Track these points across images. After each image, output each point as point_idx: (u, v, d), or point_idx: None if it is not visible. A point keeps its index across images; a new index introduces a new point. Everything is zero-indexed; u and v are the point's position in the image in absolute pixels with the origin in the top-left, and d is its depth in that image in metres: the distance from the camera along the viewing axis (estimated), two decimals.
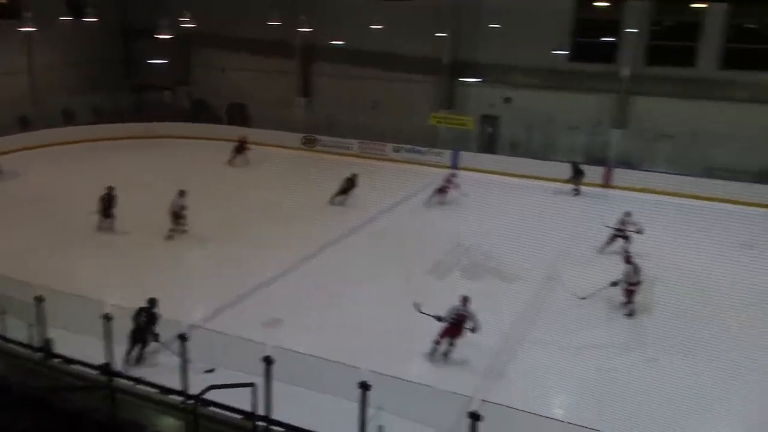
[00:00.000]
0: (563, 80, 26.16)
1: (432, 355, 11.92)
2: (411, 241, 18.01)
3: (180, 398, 7.33)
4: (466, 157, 26.55)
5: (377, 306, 13.92)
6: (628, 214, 17.56)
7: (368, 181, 21.91)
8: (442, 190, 21.85)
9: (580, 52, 26.13)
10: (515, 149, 27.36)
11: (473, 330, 11.72)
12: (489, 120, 28.21)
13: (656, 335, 13.02)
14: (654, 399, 10.57)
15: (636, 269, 14.00)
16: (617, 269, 14.31)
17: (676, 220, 19.20)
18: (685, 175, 23.42)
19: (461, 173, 23.40)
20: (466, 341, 11.89)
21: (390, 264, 16.29)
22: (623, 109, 25.66)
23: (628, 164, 25.13)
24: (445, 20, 27.56)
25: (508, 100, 27.46)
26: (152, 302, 11.25)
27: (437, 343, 11.89)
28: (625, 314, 13.95)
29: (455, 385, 9.93)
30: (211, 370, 9.80)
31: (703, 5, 23.01)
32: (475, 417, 6.12)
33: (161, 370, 10.29)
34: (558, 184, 23.72)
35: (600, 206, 21.83)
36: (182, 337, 8.31)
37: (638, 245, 16.66)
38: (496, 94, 27.58)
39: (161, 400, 7.43)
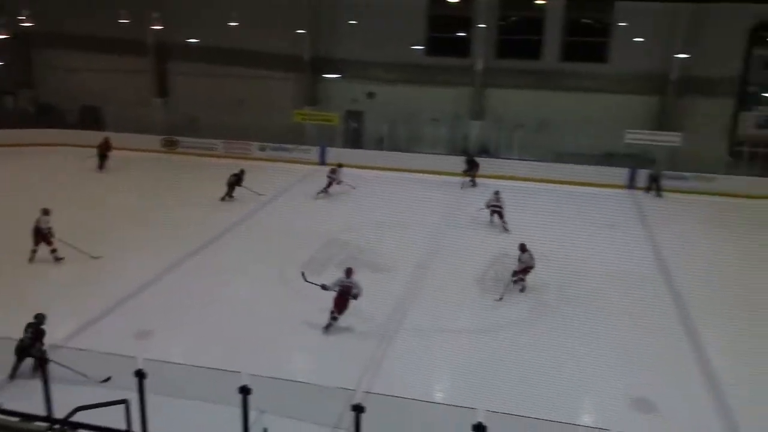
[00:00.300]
0: (422, 75, 27.07)
1: (327, 330, 12.46)
2: (285, 238, 17.90)
3: (45, 424, 6.85)
4: (333, 153, 26.76)
5: (252, 304, 13.79)
6: (497, 192, 19.16)
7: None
8: (328, 185, 22.18)
9: (435, 48, 27.18)
10: (381, 144, 27.98)
11: (355, 297, 12.51)
12: (354, 115, 28.62)
13: (534, 315, 13.85)
14: (534, 378, 11.16)
15: (531, 256, 14.75)
16: (489, 253, 15.08)
17: (539, 203, 20.43)
18: (538, 161, 25.00)
19: (341, 170, 23.56)
20: (346, 334, 12.05)
21: (264, 261, 16.12)
22: (479, 101, 26.99)
23: (486, 153, 26.51)
24: (304, 16, 27.55)
25: (371, 95, 27.99)
26: (39, 318, 10.88)
27: (333, 314, 12.50)
28: (520, 290, 14.75)
29: (337, 378, 10.04)
30: (107, 379, 9.73)
31: (543, 1, 24.72)
32: (358, 409, 6.25)
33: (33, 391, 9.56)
34: (423, 176, 24.62)
35: (464, 194, 23.01)
36: (42, 360, 7.78)
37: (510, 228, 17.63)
38: (359, 90, 28.02)
39: (22, 428, 6.89)
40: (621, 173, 24.42)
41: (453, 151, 26.50)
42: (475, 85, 26.83)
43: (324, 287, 12.54)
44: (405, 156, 26.07)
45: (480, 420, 5.69)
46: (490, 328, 13.31)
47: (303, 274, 12.93)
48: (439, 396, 11.05)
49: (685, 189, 23.64)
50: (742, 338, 12.77)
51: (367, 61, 27.36)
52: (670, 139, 24.14)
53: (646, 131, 24.73)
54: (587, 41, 26.30)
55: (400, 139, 27.76)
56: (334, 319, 12.55)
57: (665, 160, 24.39)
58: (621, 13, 25.19)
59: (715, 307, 14.21)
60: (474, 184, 24.21)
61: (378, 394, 8.93)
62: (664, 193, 23.51)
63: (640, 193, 23.71)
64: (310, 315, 12.73)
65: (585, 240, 16.18)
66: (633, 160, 24.54)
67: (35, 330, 10.72)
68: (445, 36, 27.33)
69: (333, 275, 13.29)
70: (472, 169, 24.38)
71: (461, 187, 23.78)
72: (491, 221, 19.09)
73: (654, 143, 24.31)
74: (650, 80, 25.37)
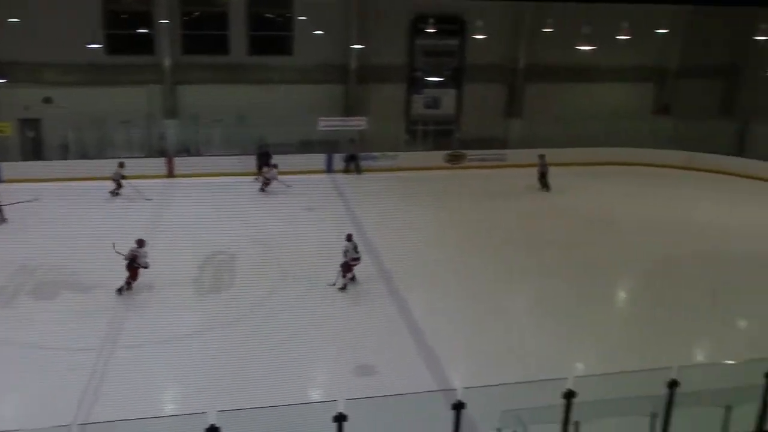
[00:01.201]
0: (106, 75, 25.24)
1: (120, 292, 13.99)
2: None
3: None
4: (9, 167, 23.56)
5: None
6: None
7: None
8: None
9: (116, 45, 25.49)
10: (65, 152, 25.49)
11: (145, 266, 14.10)
12: (29, 124, 25.52)
13: (257, 307, 14.06)
14: (260, 369, 11.33)
15: (356, 247, 14.83)
16: (198, 253, 14.87)
17: (245, 197, 20.69)
18: (243, 154, 25.18)
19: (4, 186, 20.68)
20: (57, 367, 10.97)
21: None
22: (172, 99, 26.16)
23: (187, 152, 25.92)
24: None
25: (48, 100, 25.19)
26: None
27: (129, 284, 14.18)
28: (338, 288, 14.71)
29: (54, 416, 9.14)
30: None
31: None
32: None
33: None
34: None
35: (165, 196, 22.26)
36: None
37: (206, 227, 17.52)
38: (32, 95, 24.99)
39: None
40: (320, 159, 25.91)
41: (151, 153, 25.36)
42: (166, 83, 25.93)
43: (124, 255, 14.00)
44: (93, 163, 24.00)
45: (213, 422, 5.75)
46: (215, 326, 13.24)
47: (113, 245, 13.98)
48: (169, 408, 10.72)
49: (375, 167, 26.05)
50: (446, 300, 14.66)
51: (39, 62, 24.53)
52: (358, 123, 26.40)
53: (336, 118, 26.63)
54: (271, 35, 27.16)
55: (89, 146, 25.61)
56: (128, 284, 14.17)
57: (360, 142, 26.53)
58: (300, 7, 26.48)
59: (417, 271, 16.00)
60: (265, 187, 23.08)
61: (96, 423, 8.34)
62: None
63: (339, 176, 25.46)
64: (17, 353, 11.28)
65: (294, 225, 16.91)
66: (329, 145, 26.25)
67: None
68: (126, 33, 25.83)
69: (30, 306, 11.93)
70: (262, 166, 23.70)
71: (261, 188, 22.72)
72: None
73: (344, 128, 26.31)
74: (333, 70, 27.20)
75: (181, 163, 25.00)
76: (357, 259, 14.92)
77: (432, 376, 11.52)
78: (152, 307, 13.98)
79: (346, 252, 14.80)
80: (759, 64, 25.93)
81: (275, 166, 23.30)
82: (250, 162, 24.47)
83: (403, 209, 19.85)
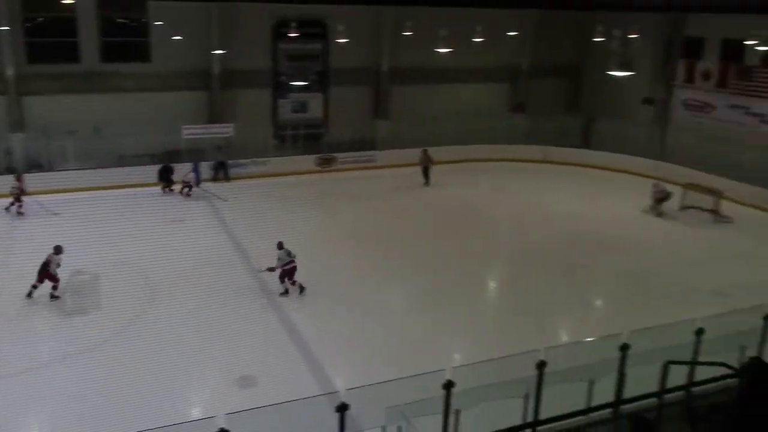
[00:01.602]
0: None
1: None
2: None
3: None
4: None
5: None
6: None
7: None
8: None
9: None
10: None
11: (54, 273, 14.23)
12: None
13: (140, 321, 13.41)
14: (129, 387, 10.84)
15: (290, 253, 14.62)
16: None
17: (103, 212, 19.47)
18: (97, 168, 23.75)
19: None
20: None
21: None
22: (17, 111, 24.20)
23: (39, 167, 24.08)
24: None
25: None
26: None
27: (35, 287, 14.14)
28: (281, 293, 14.93)
29: None
30: None
31: (71, 1, 23.24)
32: None
33: None
34: None
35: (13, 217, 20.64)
36: None
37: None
38: None
39: None
40: (186, 168, 24.98)
41: None
42: (9, 94, 23.94)
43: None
44: None
45: None
46: (83, 350, 12.45)
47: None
48: None
49: (245, 175, 25.55)
50: (325, 303, 14.67)
51: None
52: (223, 130, 25.78)
53: (201, 125, 25.85)
54: (126, 41, 25.88)
55: None
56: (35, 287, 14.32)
57: (229, 149, 25.89)
58: (156, 11, 25.40)
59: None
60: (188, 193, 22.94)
61: None
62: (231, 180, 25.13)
63: (208, 184, 24.69)
64: None
65: (159, 239, 16.21)
66: (195, 154, 25.36)
67: None
68: None
69: None
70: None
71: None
72: None
73: (209, 135, 25.58)
74: (195, 76, 26.37)
75: (33, 179, 23.15)
76: (292, 264, 14.84)
77: (316, 380, 11.52)
78: (15, 334, 12.89)
79: (279, 260, 14.81)
80: (597, 64, 28.14)
81: (195, 169, 23.81)
82: (109, 175, 23.15)
83: (275, 215, 19.58)
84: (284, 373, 11.85)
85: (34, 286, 14.40)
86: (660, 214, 22.20)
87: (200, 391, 11.59)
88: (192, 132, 25.17)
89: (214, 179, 25.14)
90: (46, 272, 14.37)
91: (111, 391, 10.74)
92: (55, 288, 14.50)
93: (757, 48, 22.40)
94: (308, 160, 27.06)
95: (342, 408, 6.53)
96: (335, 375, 11.76)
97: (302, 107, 28.58)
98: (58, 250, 14.43)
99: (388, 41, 28.63)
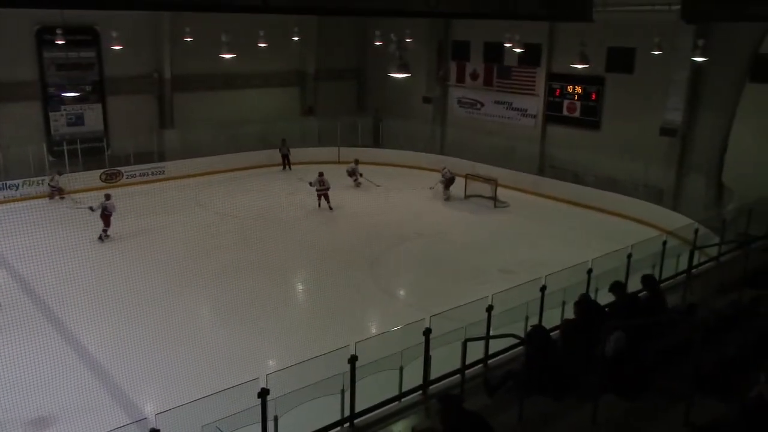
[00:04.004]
0: None
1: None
2: None
3: None
4: None
5: None
6: None
7: None
8: None
9: None
10: None
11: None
12: None
13: None
14: None
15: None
16: None
17: None
18: None
19: None
20: None
21: None
22: None
23: None
24: None
25: None
26: None
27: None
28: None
29: None
30: None
31: None
32: None
33: None
34: None
35: None
36: None
37: None
38: None
39: None
40: None
41: None
42: None
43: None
44: None
45: None
46: None
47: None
48: None
49: (18, 197, 22.99)
50: (120, 325, 13.62)
51: None
52: None
53: None
54: None
55: None
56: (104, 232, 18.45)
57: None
58: None
59: (78, 300, 14.50)
60: None
61: None
62: None
63: None
64: None
65: None
66: None
67: None
68: None
69: None
70: None
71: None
72: None
73: None
74: None
75: None
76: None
77: (122, 409, 10.78)
78: None
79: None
80: (379, 66, 29.51)
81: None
82: None
83: (56, 236, 17.81)
84: (86, 405, 10.92)
85: (104, 230, 19.00)
86: (448, 198, 24.35)
87: None
88: None
89: None
90: (105, 215, 18.93)
91: None
92: (104, 231, 19.06)
93: (514, 50, 25.06)
94: (93, 176, 24.84)
95: None
96: (143, 401, 11.08)
97: (79, 120, 26.33)
98: (108, 197, 19.39)
99: (169, 47, 27.41)
